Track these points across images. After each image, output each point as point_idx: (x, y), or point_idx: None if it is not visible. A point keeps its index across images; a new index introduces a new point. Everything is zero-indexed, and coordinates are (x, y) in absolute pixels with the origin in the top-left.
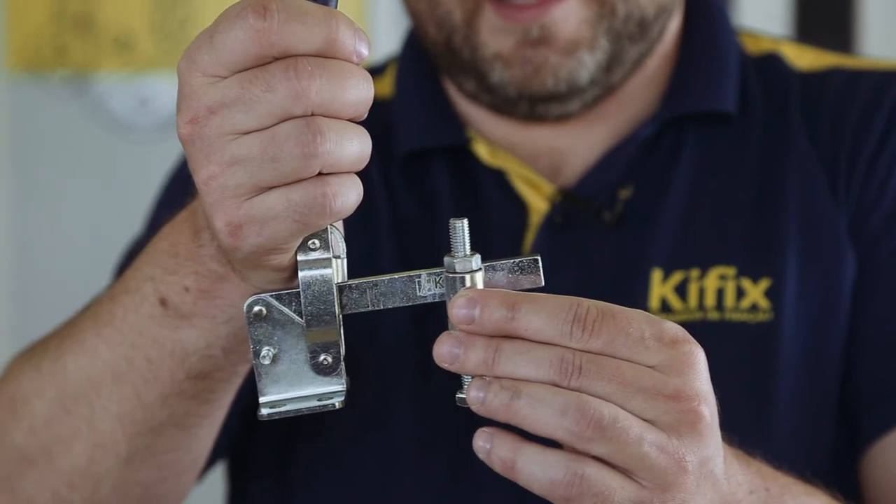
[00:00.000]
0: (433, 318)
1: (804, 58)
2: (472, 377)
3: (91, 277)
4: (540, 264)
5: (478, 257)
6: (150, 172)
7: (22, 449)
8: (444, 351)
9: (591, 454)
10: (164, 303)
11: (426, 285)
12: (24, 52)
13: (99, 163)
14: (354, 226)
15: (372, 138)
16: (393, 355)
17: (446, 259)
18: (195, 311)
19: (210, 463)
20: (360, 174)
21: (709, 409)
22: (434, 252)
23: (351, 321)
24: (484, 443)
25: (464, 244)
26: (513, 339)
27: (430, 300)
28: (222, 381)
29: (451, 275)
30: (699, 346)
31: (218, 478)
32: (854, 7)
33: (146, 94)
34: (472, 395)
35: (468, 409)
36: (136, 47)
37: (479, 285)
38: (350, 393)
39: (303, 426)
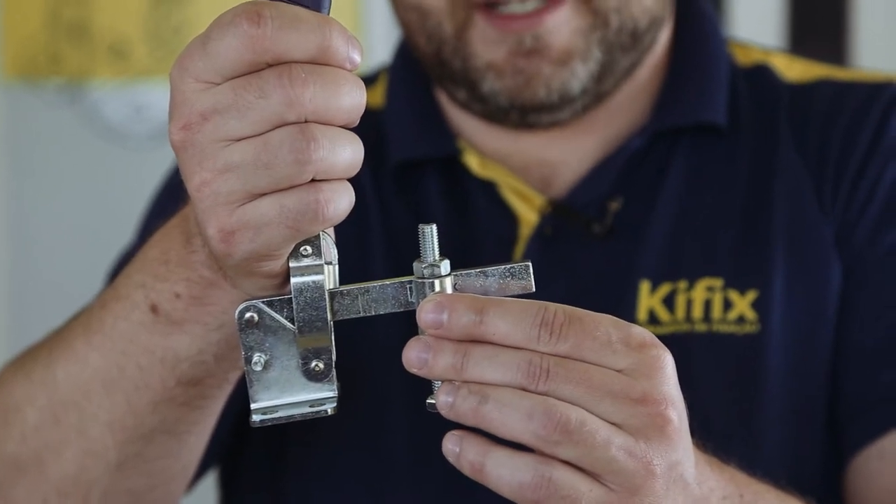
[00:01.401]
0: None
1: (794, 69)
2: (442, 382)
3: (86, 284)
4: (531, 270)
5: (447, 262)
6: (144, 180)
7: (14, 457)
8: (413, 356)
9: (559, 458)
10: (155, 310)
11: (417, 291)
12: (18, 60)
13: (93, 170)
14: (347, 236)
15: (364, 148)
16: (385, 363)
17: (415, 264)
18: (186, 318)
19: (201, 471)
20: (352, 184)
21: (676, 413)
22: None
23: (343, 330)
24: (453, 446)
25: (433, 249)
26: (481, 343)
27: None
28: (213, 388)
29: (419, 280)
30: (667, 350)
31: (210, 487)
32: (848, 15)
33: (140, 101)
34: (441, 400)
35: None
36: (130, 55)
37: (448, 290)
38: (343, 401)
39: (295, 434)
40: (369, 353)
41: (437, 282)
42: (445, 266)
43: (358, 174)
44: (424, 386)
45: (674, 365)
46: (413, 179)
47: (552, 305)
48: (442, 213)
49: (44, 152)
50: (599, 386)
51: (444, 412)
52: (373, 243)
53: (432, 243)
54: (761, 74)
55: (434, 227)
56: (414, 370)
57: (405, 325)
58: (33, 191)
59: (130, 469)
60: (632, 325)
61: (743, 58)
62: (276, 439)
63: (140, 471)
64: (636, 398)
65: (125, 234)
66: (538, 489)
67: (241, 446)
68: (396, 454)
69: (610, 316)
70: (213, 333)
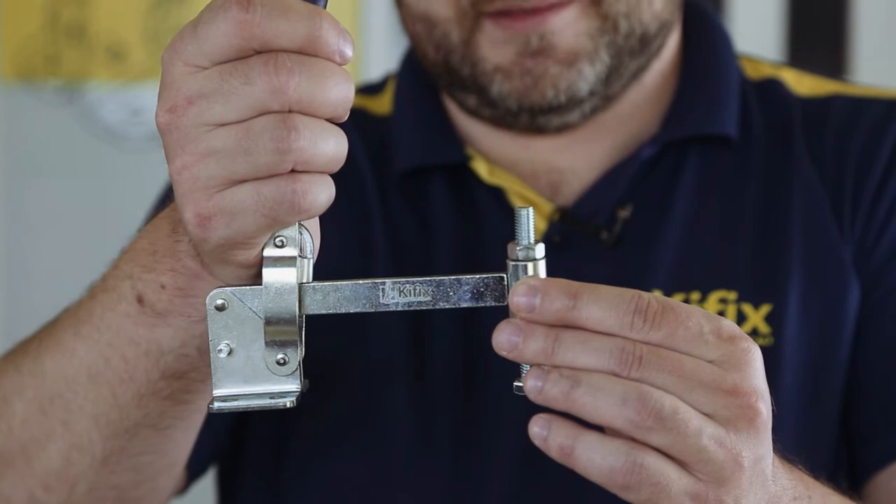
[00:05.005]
0: (426, 320)
1: (804, 84)
2: (530, 366)
3: (82, 285)
4: (505, 282)
5: (542, 246)
6: (141, 182)
7: (1, 450)
8: (504, 339)
9: (650, 445)
10: (140, 300)
11: (390, 293)
12: (16, 61)
13: (90, 172)
14: (351, 243)
15: (370, 155)
16: (387, 358)
17: (509, 246)
18: (170, 309)
19: (200, 469)
20: (356, 191)
21: (766, 407)
22: (431, 269)
23: (342, 325)
24: (540, 429)
25: (528, 232)
26: (572, 328)
27: (392, 308)
28: (197, 382)
29: (513, 262)
30: (755, 343)
31: (209, 486)
32: (847, 24)
33: (138, 103)
34: (530, 385)
35: (523, 398)
36: (128, 57)
37: (542, 274)
38: (345, 394)
39: (296, 429)
40: (369, 349)
41: (530, 265)
42: (540, 249)
43: (363, 181)
44: (428, 382)
45: (762, 359)
46: (419, 187)
47: (646, 294)
48: (449, 220)
49: (41, 153)
50: (691, 375)
51: (531, 396)
52: (377, 252)
53: (528, 226)
54: (772, 88)
55: (531, 209)
56: (503, 353)
57: (406, 320)
58: (30, 191)
59: (115, 464)
60: (721, 317)
61: (752, 72)
62: (275, 436)
63: (125, 466)
64: (727, 389)
65: (121, 235)
66: (629, 474)
67: (240, 444)
68: (400, 447)
69: (700, 308)
70: (196, 326)
